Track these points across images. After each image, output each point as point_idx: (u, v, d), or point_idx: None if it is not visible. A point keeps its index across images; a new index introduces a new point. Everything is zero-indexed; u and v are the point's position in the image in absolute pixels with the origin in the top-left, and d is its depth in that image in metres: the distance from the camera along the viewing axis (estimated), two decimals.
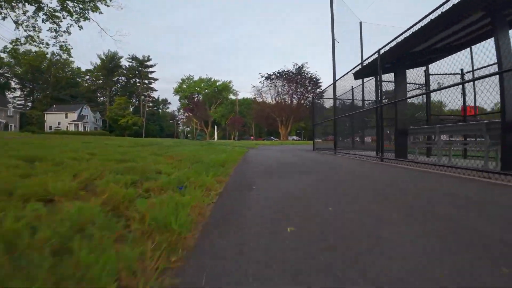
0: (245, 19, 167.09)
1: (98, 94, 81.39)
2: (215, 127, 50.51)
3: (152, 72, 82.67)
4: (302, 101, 56.51)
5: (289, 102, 57.96)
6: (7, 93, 60.74)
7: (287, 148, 17.13)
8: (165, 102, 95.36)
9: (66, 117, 62.73)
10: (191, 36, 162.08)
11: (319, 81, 55.63)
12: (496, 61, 4.37)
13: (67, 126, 60.82)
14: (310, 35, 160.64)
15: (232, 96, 75.97)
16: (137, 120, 65.49)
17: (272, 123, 58.79)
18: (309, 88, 56.34)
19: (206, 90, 77.30)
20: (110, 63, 75.92)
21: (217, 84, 77.78)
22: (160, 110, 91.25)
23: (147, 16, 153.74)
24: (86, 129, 60.72)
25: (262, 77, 58.72)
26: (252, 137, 69.31)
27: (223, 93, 77.59)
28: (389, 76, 7.94)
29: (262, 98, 60.57)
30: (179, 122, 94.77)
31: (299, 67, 56.41)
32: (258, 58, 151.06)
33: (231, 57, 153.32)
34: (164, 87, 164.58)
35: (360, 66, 9.09)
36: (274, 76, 57.18)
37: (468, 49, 6.45)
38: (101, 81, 78.74)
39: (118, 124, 64.83)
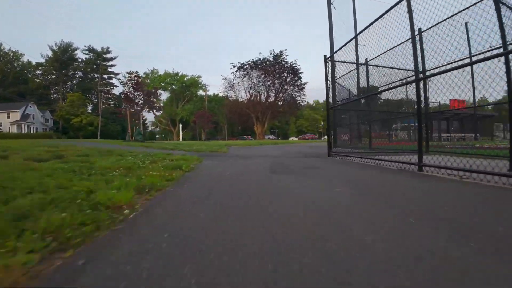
0: (219, 16, 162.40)
1: (52, 91, 73.49)
2: (180, 126, 46.07)
3: (112, 65, 76.07)
4: (281, 94, 50.85)
5: (266, 95, 51.52)
6: None
7: (280, 152, 11.60)
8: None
9: (8, 117, 55.45)
10: (162, 33, 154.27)
11: (300, 71, 48.86)
12: None
13: (9, 128, 53.79)
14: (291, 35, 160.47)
15: (201, 92, 71.66)
16: (93, 119, 59.40)
17: (247, 120, 52.71)
18: (288, 79, 49.74)
19: (173, 86, 72.41)
20: (63, 55, 68.65)
21: (185, 79, 72.86)
22: (123, 109, 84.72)
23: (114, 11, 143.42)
24: (32, 131, 53.89)
25: (234, 67, 50.30)
26: (248, 136, 65.15)
27: (191, 89, 72.83)
28: None
29: (234, 91, 53.35)
30: (146, 122, 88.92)
31: (276, 54, 49.28)
32: (233, 55, 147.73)
33: (203, 55, 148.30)
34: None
35: None
36: (248, 66, 49.62)
37: None
38: (53, 76, 70.97)
39: (70, 124, 58.40)
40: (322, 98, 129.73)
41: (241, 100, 52.46)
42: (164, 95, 75.48)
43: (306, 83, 49.68)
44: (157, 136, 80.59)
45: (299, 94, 49.85)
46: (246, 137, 62.88)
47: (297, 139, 66.52)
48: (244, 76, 50.20)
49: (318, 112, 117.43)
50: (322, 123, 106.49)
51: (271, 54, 49.20)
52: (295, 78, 49.44)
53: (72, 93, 63.47)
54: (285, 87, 50.22)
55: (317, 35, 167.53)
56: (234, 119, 58.22)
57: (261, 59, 49.75)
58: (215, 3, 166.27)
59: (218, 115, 67.74)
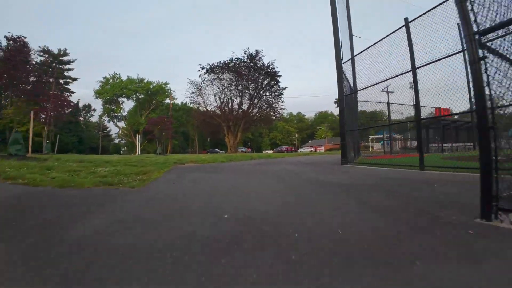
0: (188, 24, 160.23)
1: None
2: (138, 137, 40.85)
3: (70, 69, 69.80)
4: (256, 100, 44.58)
5: (239, 102, 44.65)
6: None
7: (276, 181, 6.33)
8: (88, 108, 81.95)
9: None
10: (129, 36, 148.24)
11: (278, 74, 42.48)
12: None
13: None
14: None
15: (169, 101, 67.48)
16: (41, 129, 53.16)
17: (217, 131, 46.99)
18: (265, 82, 43.36)
19: (137, 94, 67.71)
20: (14, 56, 61.55)
21: (151, 86, 68.21)
22: (82, 118, 77.99)
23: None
24: None
25: (203, 69, 43.20)
26: (220, 151, 60.55)
27: (157, 96, 67.84)
28: None
29: (202, 97, 45.93)
30: (110, 134, 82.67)
31: (251, 54, 42.00)
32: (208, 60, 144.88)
33: (174, 61, 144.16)
34: (90, 92, 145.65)
35: None
36: (218, 68, 42.95)
37: None
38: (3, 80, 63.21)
39: None
40: (298, 110, 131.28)
41: (210, 108, 46.11)
42: (129, 104, 70.28)
43: (284, 88, 44.48)
44: (122, 149, 74.60)
45: (276, 101, 44.21)
46: (217, 150, 59.12)
47: (271, 152, 64.69)
48: (214, 80, 43.84)
49: (291, 125, 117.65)
50: (296, 135, 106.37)
51: (245, 53, 42.33)
52: (272, 82, 43.49)
53: (18, 99, 56.70)
54: (261, 92, 44.38)
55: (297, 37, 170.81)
56: (203, 129, 52.39)
57: (234, 59, 43.04)
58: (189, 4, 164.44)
59: (187, 125, 63.87)
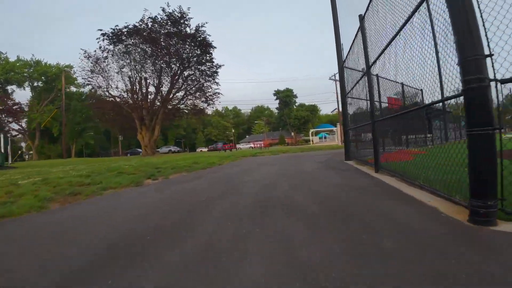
0: None
1: None
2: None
3: None
4: (181, 81, 31.64)
5: (156, 83, 31.07)
6: None
7: None
8: None
9: None
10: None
11: (211, 44, 29.95)
12: None
13: None
14: None
15: (74, 89, 54.53)
16: None
17: (134, 126, 31.63)
18: (194, 55, 30.35)
19: (33, 81, 53.64)
20: None
21: (51, 69, 53.92)
22: None
23: None
24: None
25: (104, 35, 28.49)
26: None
27: (57, 83, 51.67)
28: None
29: (104, 76, 30.61)
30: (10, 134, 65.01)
31: (173, 15, 28.45)
32: None
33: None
34: None
35: None
36: (125, 34, 28.32)
37: None
38: None
39: None
40: (234, 104, 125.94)
41: (116, 93, 31.18)
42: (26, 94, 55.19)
43: (220, 66, 31.30)
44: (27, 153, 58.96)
45: (209, 83, 31.98)
46: (140, 151, 50.18)
47: (206, 149, 59.00)
48: (121, 53, 29.23)
49: (227, 120, 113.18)
50: (233, 130, 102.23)
51: (164, 12, 27.95)
52: (203, 58, 30.50)
53: None
54: (188, 70, 31.16)
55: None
56: (106, 123, 38.01)
57: (148, 21, 28.28)
58: None
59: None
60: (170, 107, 31.99)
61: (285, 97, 64.64)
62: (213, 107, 33.06)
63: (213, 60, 30.78)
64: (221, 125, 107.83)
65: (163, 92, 31.07)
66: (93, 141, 68.58)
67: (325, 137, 66.91)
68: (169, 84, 30.84)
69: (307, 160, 10.24)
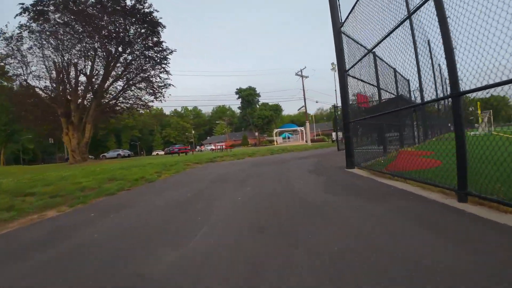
0: None
1: None
2: None
3: None
4: (120, 65, 24.25)
5: (87, 71, 23.26)
6: None
7: None
8: None
9: None
10: None
11: (158, 22, 22.97)
12: None
13: None
14: None
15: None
16: None
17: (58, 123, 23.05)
18: (136, 33, 23.16)
19: None
20: None
21: None
22: None
23: None
24: None
25: (24, 10, 20.34)
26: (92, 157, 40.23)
27: None
28: None
29: (24, 61, 21.61)
30: None
31: None
32: None
33: None
34: None
35: None
36: (47, 7, 20.47)
37: None
38: None
39: None
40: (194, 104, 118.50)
41: (37, 83, 22.60)
42: None
43: (171, 52, 24.33)
44: None
45: (157, 71, 25.03)
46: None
47: (163, 152, 53.38)
48: (45, 33, 20.65)
49: (187, 120, 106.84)
50: (192, 131, 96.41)
51: None
52: (149, 40, 23.42)
53: None
54: (129, 55, 23.77)
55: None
56: (25, 122, 28.06)
57: None
58: None
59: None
60: (106, 100, 25.39)
61: (248, 95, 61.07)
62: (161, 101, 26.01)
63: (162, 43, 23.61)
64: (180, 126, 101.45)
65: (96, 81, 23.35)
66: (33, 145, 59.09)
67: (288, 138, 64.84)
68: (103, 70, 23.05)
69: (289, 169, 6.74)
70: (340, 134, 30.29)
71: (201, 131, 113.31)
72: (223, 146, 27.33)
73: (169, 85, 25.57)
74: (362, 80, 6.26)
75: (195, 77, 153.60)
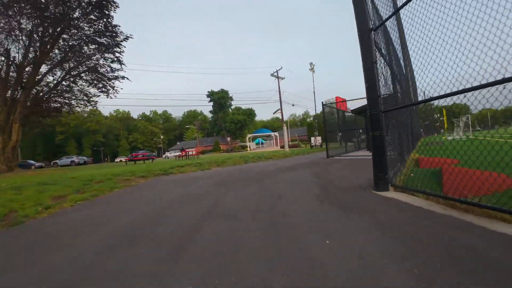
0: None
1: None
2: None
3: None
4: (57, 53, 19.57)
5: (17, 60, 18.28)
6: None
7: None
8: None
9: None
10: None
11: (112, 7, 18.40)
12: None
13: None
14: None
15: None
16: None
17: None
18: (81, 19, 18.18)
19: None
20: None
21: None
22: None
23: None
24: None
25: None
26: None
27: None
28: None
29: None
30: None
31: None
32: None
33: None
34: None
35: None
36: None
37: None
38: None
39: None
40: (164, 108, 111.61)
41: None
42: None
43: (127, 38, 19.80)
44: None
45: (107, 61, 20.18)
46: (33, 163, 37.53)
47: (124, 159, 48.49)
48: None
49: (156, 125, 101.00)
50: (161, 136, 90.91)
51: None
52: (99, 22, 18.80)
53: None
54: (69, 37, 18.90)
55: None
56: None
57: None
58: None
59: None
60: (41, 94, 19.87)
61: (220, 98, 57.62)
62: (112, 96, 20.80)
63: (115, 27, 18.62)
64: (148, 130, 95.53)
65: (27, 71, 18.16)
66: None
67: (262, 143, 62.56)
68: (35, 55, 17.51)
69: (281, 194, 3.84)
70: (319, 139, 28.25)
71: (171, 136, 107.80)
72: (191, 153, 23.84)
73: (122, 77, 20.34)
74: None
75: (166, 80, 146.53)
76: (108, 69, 19.74)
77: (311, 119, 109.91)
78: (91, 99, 20.65)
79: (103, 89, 20.23)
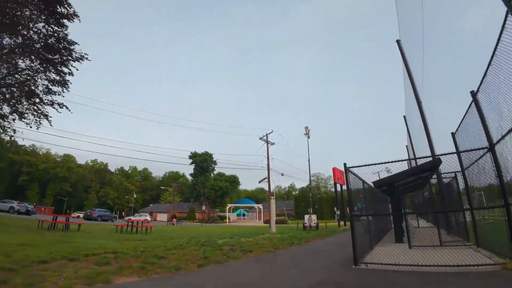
0: None
1: None
2: None
3: None
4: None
5: None
6: None
7: None
8: None
9: None
10: None
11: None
12: None
13: None
14: None
15: None
16: None
17: None
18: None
19: None
20: None
21: None
22: None
23: None
24: None
25: None
26: None
27: None
28: None
29: None
30: None
31: None
32: None
33: None
34: None
35: None
36: None
37: None
38: None
39: None
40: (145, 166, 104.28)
41: None
42: None
43: (73, 44, 14.17)
44: None
45: (45, 73, 14.23)
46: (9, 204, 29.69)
47: (81, 215, 40.77)
48: None
49: (132, 181, 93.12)
50: (135, 195, 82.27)
51: None
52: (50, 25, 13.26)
53: None
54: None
55: None
56: None
57: None
58: None
59: None
60: None
61: (203, 161, 52.59)
62: (37, 127, 14.88)
63: (69, 42, 13.94)
64: (123, 186, 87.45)
65: None
66: None
67: (243, 215, 56.22)
68: None
69: None
70: (314, 218, 22.41)
71: (147, 197, 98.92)
72: (142, 222, 16.57)
73: (61, 105, 14.57)
74: None
75: (153, 135, 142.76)
76: (44, 88, 13.93)
77: (297, 192, 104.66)
78: (6, 125, 14.51)
79: (35, 113, 14.08)
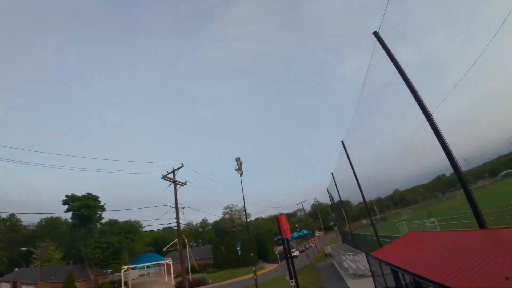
0: None
1: None
2: None
3: None
4: None
5: None
6: None
7: None
8: None
9: None
10: None
11: None
12: None
13: None
14: None
15: None
16: None
17: None
18: None
19: None
20: None
21: None
22: None
23: None
24: None
25: None
26: None
27: None
28: None
29: None
30: None
31: None
32: None
33: None
34: None
35: None
36: None
37: None
38: None
39: None
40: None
41: None
42: None
43: None
44: None
45: None
46: None
47: None
48: None
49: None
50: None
51: None
52: None
53: None
54: None
55: None
56: None
57: None
58: None
59: None
60: None
61: (84, 208, 37.17)
62: None
63: None
64: None
65: None
66: None
67: (148, 268, 42.73)
68: None
69: None
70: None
71: (15, 254, 71.58)
72: None
73: None
74: None
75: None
76: None
77: (210, 227, 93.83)
78: None
79: None
